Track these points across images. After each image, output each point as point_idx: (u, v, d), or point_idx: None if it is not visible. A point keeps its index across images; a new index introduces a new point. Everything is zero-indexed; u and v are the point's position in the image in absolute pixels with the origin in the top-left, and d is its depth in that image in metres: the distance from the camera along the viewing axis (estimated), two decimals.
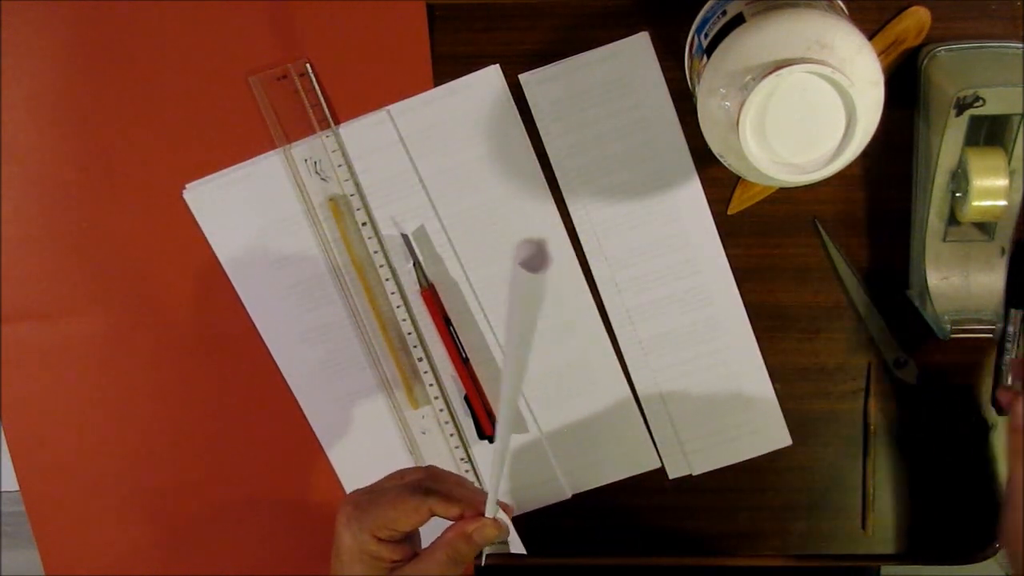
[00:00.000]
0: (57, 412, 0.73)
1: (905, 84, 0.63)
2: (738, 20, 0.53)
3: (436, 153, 0.67)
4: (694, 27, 0.59)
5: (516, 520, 0.73)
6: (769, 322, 0.69)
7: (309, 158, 0.67)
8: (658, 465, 0.72)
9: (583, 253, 0.68)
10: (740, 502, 0.73)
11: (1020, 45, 0.62)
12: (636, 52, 0.64)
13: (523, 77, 0.65)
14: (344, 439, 0.73)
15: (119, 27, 0.65)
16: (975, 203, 0.59)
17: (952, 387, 0.69)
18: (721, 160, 0.55)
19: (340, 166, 0.67)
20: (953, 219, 0.62)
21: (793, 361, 0.70)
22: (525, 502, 0.73)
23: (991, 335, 0.63)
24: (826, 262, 0.68)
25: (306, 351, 0.71)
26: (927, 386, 0.69)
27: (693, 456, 0.72)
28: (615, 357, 0.70)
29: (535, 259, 0.44)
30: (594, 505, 0.73)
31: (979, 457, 0.70)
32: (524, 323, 0.46)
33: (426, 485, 0.56)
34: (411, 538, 0.58)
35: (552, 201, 0.68)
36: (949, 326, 0.62)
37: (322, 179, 0.68)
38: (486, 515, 0.55)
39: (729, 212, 0.67)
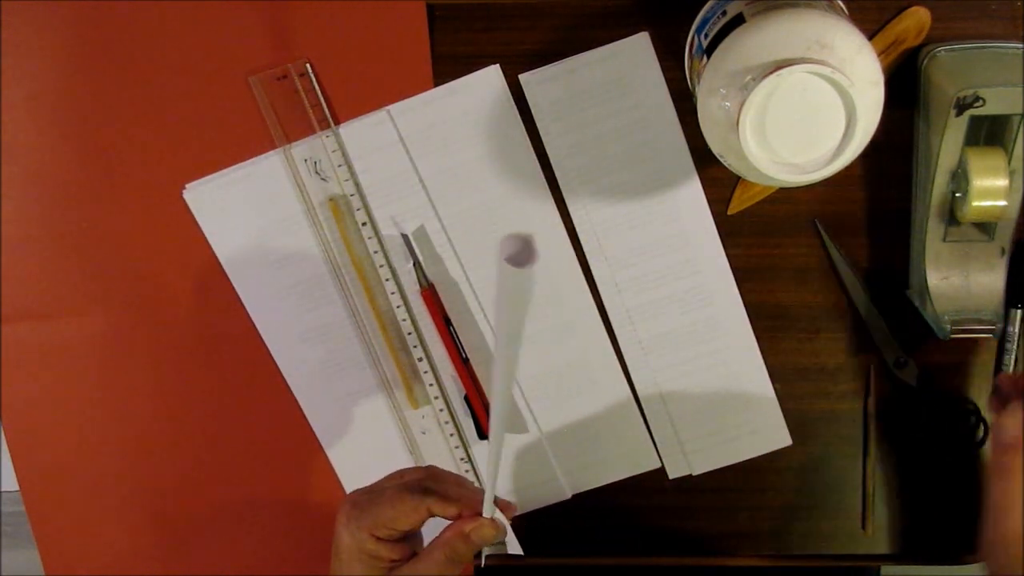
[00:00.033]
0: (57, 412, 0.73)
1: (905, 84, 0.63)
2: (738, 20, 0.53)
3: (436, 153, 0.67)
4: (694, 27, 0.59)
5: (516, 520, 0.73)
6: (769, 322, 0.69)
7: (309, 158, 0.67)
8: (658, 465, 0.72)
9: (583, 253, 0.68)
10: (740, 502, 0.73)
11: (1020, 45, 0.62)
12: (636, 52, 0.64)
13: (523, 77, 0.65)
14: (344, 439, 0.73)
15: (119, 27, 0.66)
16: (975, 203, 0.59)
17: (952, 387, 0.69)
18: (721, 160, 0.55)
19: (340, 166, 0.67)
20: (953, 219, 0.62)
21: (793, 361, 0.70)
22: (525, 502, 0.73)
23: (991, 335, 0.63)
24: (826, 262, 0.68)
25: (306, 351, 0.71)
26: (927, 386, 0.69)
27: (693, 456, 0.72)
28: (615, 357, 0.70)
29: (521, 254, 0.43)
30: (594, 505, 0.73)
31: (979, 457, 0.70)
32: (512, 320, 0.45)
33: (425, 485, 0.56)
34: (412, 538, 0.58)
35: (552, 201, 0.68)
36: (949, 326, 0.62)
37: (322, 179, 0.68)
38: (483, 515, 0.55)
39: (729, 212, 0.67)
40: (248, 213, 0.68)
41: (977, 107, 0.57)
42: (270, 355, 0.71)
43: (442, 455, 0.72)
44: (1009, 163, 0.59)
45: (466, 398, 0.71)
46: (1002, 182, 0.58)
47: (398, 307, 0.69)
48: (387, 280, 0.69)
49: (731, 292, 0.69)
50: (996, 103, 0.57)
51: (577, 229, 0.68)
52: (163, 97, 0.67)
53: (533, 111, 0.66)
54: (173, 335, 0.71)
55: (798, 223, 0.67)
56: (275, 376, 0.71)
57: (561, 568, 0.76)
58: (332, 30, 0.65)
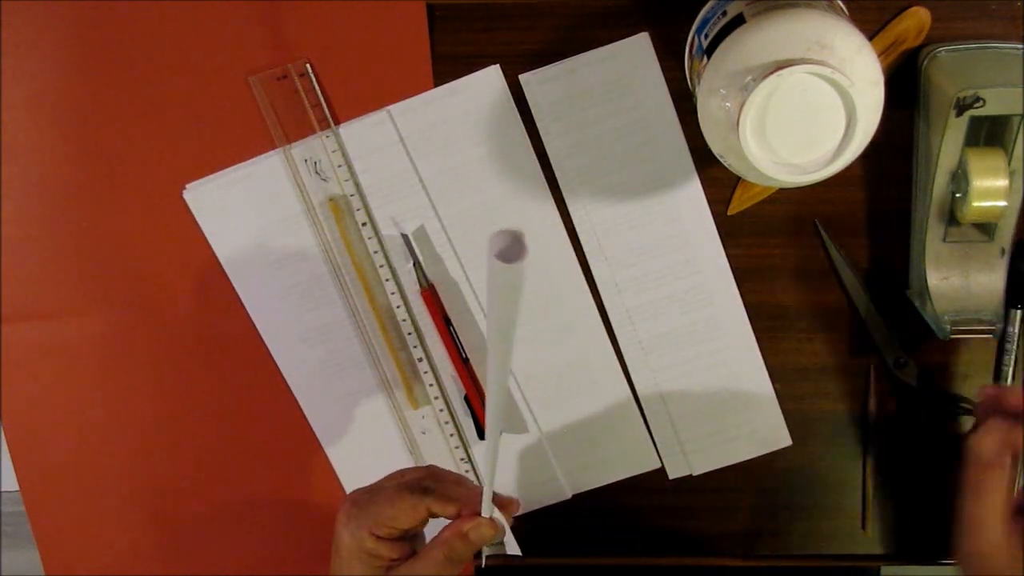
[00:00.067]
0: (57, 412, 0.73)
1: (905, 84, 0.63)
2: (738, 20, 0.53)
3: (436, 153, 0.67)
4: (694, 27, 0.59)
5: (516, 520, 0.73)
6: (769, 322, 0.69)
7: (309, 158, 0.67)
8: (658, 465, 0.72)
9: (583, 253, 0.68)
10: (740, 502, 0.73)
11: (1020, 45, 0.62)
12: (636, 52, 0.64)
13: (523, 77, 0.65)
14: (344, 439, 0.73)
15: (119, 27, 0.65)
16: (975, 203, 0.59)
17: (952, 387, 0.69)
18: (721, 160, 0.55)
19: (340, 166, 0.67)
20: (953, 219, 0.62)
21: (793, 361, 0.70)
22: (525, 502, 0.73)
23: (991, 335, 0.63)
24: (826, 262, 0.68)
25: (306, 351, 0.71)
26: (927, 386, 0.69)
27: (693, 456, 0.72)
28: (615, 357, 0.70)
29: (511, 249, 0.43)
30: (594, 505, 0.73)
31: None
32: (503, 316, 0.45)
33: (424, 484, 0.56)
34: (412, 537, 0.58)
35: (552, 201, 0.68)
36: (949, 326, 0.62)
37: (322, 179, 0.68)
38: (482, 514, 0.55)
39: (729, 212, 0.67)
40: (248, 213, 0.68)
41: (977, 107, 0.57)
42: (270, 355, 0.71)
43: (442, 455, 0.72)
44: (1009, 163, 0.59)
45: (466, 398, 0.71)
46: (1002, 182, 0.58)
47: (398, 307, 0.69)
48: (387, 280, 0.69)
49: (731, 292, 0.69)
50: (996, 103, 0.57)
51: (577, 229, 0.68)
52: (163, 97, 0.67)
53: (533, 111, 0.66)
54: (173, 335, 0.71)
55: (798, 223, 0.67)
56: (275, 376, 0.71)
57: (561, 568, 0.76)
58: (332, 30, 0.65)
